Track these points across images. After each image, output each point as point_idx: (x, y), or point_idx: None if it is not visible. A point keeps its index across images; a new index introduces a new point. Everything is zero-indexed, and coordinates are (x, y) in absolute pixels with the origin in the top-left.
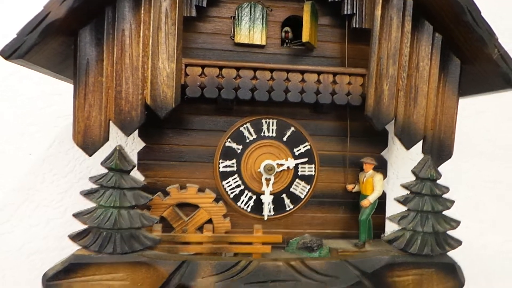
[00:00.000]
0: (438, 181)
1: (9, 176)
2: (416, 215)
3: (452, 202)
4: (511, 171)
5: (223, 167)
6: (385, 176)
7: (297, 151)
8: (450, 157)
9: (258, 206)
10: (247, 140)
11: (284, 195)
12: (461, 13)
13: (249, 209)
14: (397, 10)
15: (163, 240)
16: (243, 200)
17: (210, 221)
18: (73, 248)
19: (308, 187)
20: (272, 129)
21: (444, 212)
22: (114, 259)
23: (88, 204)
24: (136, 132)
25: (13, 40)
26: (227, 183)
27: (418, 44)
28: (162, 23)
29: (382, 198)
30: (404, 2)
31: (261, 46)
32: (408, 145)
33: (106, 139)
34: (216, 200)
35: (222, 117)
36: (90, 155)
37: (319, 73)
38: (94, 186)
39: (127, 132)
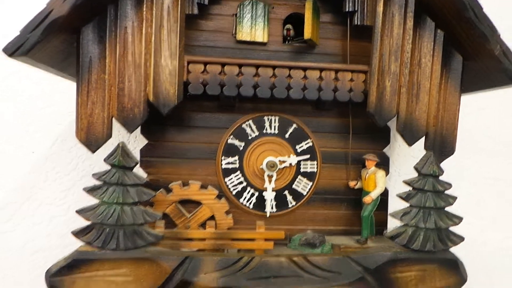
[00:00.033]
0: (440, 178)
1: (12, 174)
2: (418, 211)
3: (455, 198)
4: None
5: (225, 164)
6: (387, 172)
7: (299, 148)
8: (452, 154)
9: (260, 203)
10: (249, 137)
11: (286, 192)
12: (463, 9)
13: (251, 206)
14: (399, 6)
15: (166, 236)
16: (246, 197)
17: (212, 217)
18: (76, 246)
19: (310, 183)
20: (274, 126)
21: (446, 209)
22: (117, 255)
23: (91, 202)
24: (138, 130)
25: (16, 37)
26: (229, 180)
27: (420, 40)
28: (164, 21)
29: (384, 195)
30: None
31: (263, 44)
32: (410, 141)
33: (109, 135)
34: (219, 197)
35: (224, 114)
36: (94, 152)
37: (321, 70)
38: (97, 183)
39: (130, 129)
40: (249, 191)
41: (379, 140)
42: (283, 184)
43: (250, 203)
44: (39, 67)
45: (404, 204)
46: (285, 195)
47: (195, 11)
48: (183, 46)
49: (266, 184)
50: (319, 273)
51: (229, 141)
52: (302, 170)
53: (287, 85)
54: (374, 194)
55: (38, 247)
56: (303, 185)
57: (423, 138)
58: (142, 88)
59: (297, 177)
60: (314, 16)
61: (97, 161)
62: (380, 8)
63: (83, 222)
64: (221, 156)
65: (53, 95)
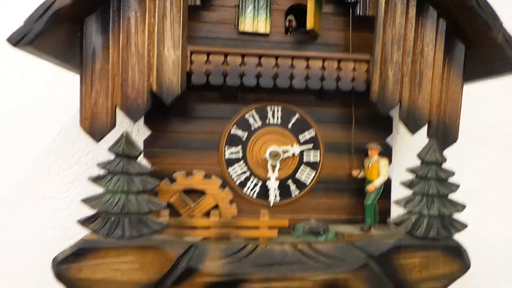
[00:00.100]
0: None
1: (16, 168)
2: (422, 198)
3: (458, 186)
4: None
5: (228, 154)
6: (390, 161)
7: (302, 137)
8: (455, 142)
9: (263, 192)
10: (252, 128)
11: (289, 181)
12: None
13: (255, 196)
14: None
15: (171, 225)
16: (249, 187)
17: (216, 207)
18: (79, 238)
19: (314, 173)
20: (277, 116)
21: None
22: (122, 243)
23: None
24: (141, 124)
25: (21, 27)
26: (233, 169)
27: (422, 29)
28: (167, 11)
29: (387, 184)
30: None
31: (265, 35)
32: (413, 129)
33: (113, 125)
34: (222, 186)
35: (227, 105)
36: (98, 141)
37: (323, 59)
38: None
39: (133, 118)
40: (252, 181)
41: (381, 130)
42: (287, 173)
43: (253, 193)
44: (43, 57)
45: (407, 194)
46: (288, 184)
47: (198, 2)
48: (186, 36)
49: (270, 174)
50: (323, 260)
51: (232, 131)
52: (305, 159)
53: (290, 75)
54: (377, 182)
55: (42, 240)
56: (306, 175)
57: (425, 127)
58: (146, 78)
59: (300, 167)
60: (317, 7)
61: (101, 154)
62: None
63: (86, 215)
64: (225, 146)
65: (56, 86)
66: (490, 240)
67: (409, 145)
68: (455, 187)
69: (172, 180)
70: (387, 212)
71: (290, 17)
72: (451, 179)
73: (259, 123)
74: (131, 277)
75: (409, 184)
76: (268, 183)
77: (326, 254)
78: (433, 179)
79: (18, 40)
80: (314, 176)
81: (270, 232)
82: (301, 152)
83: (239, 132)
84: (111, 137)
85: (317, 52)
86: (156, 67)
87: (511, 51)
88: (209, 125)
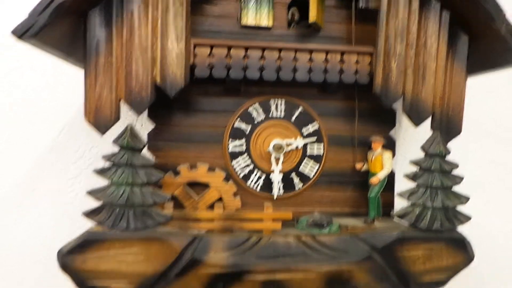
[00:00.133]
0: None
1: (19, 164)
2: (425, 190)
3: (461, 178)
4: None
5: (232, 147)
6: (393, 154)
7: (306, 130)
8: (458, 134)
9: (267, 185)
10: (256, 121)
11: (293, 174)
12: None
13: (258, 189)
14: None
15: (175, 217)
16: (253, 180)
17: (220, 200)
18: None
19: (317, 166)
20: (281, 110)
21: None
22: (127, 235)
23: None
24: (144, 118)
25: (25, 20)
26: (236, 162)
27: (425, 21)
28: (170, 4)
29: (391, 177)
30: None
31: (268, 29)
32: (416, 122)
33: (117, 118)
34: (226, 179)
35: (230, 98)
36: (103, 133)
37: (327, 52)
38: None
39: (137, 111)
40: (256, 174)
41: (385, 122)
42: (290, 166)
43: (257, 186)
44: (47, 50)
45: (411, 186)
46: (292, 177)
47: None
48: (189, 29)
49: (273, 167)
50: (327, 252)
51: (236, 124)
52: (308, 152)
53: (293, 68)
54: (381, 175)
55: (45, 235)
56: (310, 168)
57: (429, 119)
58: (149, 71)
59: (304, 160)
60: (319, 0)
61: (104, 150)
62: None
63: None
64: (228, 139)
65: (56, 86)
66: (493, 233)
67: (412, 138)
68: (459, 179)
69: (176, 173)
70: (391, 204)
71: (293, 10)
72: (455, 172)
73: (263, 116)
74: (136, 269)
75: (412, 177)
76: (271, 176)
77: (329, 246)
78: (437, 171)
79: (23, 32)
80: (317, 169)
81: (274, 225)
82: (305, 145)
83: (243, 125)
84: (115, 130)
85: (320, 45)
86: (160, 60)
87: None
88: (212, 118)
